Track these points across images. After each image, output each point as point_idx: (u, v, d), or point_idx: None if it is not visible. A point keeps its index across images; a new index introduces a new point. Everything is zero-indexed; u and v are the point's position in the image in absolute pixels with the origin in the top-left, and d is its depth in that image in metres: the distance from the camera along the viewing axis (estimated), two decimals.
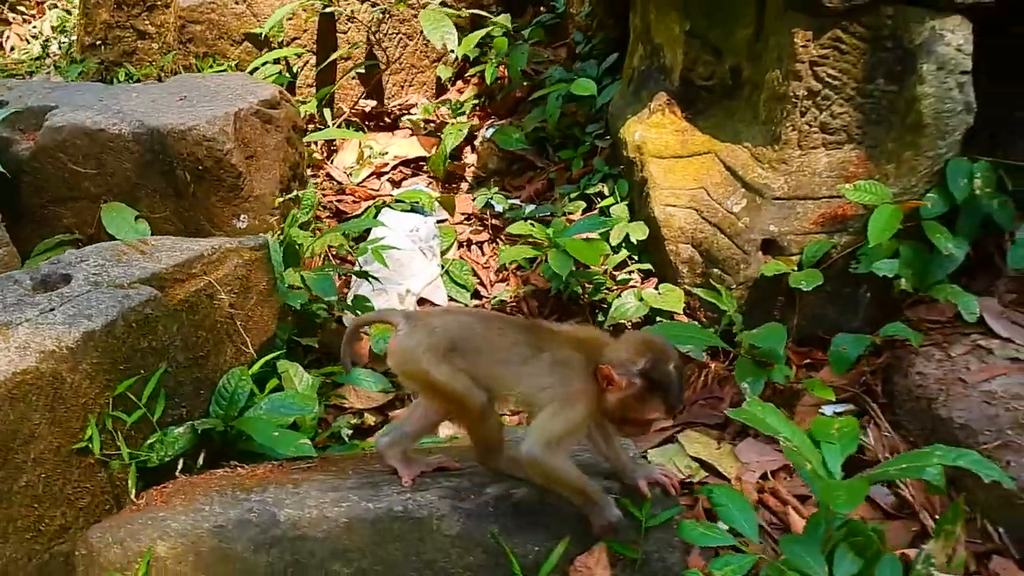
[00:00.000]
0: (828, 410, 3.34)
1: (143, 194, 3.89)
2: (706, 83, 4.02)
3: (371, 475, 2.54)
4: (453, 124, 5.15)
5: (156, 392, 2.75)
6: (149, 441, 2.72)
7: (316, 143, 5.30)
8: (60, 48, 6.53)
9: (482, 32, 5.13)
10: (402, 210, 4.56)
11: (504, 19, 5.25)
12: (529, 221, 4.24)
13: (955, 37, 3.26)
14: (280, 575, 2.36)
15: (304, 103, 5.32)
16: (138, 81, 5.32)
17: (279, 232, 3.82)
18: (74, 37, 6.20)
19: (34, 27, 7.34)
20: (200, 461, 2.86)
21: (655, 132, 4.10)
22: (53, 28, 6.86)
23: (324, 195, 4.96)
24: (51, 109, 3.91)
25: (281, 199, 3.92)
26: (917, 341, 3.26)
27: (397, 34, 5.63)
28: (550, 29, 5.96)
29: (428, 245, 4.39)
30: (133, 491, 2.63)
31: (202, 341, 2.96)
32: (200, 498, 2.45)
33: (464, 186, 5.14)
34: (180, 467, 2.78)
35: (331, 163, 5.26)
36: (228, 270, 3.03)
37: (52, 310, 2.60)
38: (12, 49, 7.10)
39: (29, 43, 7.08)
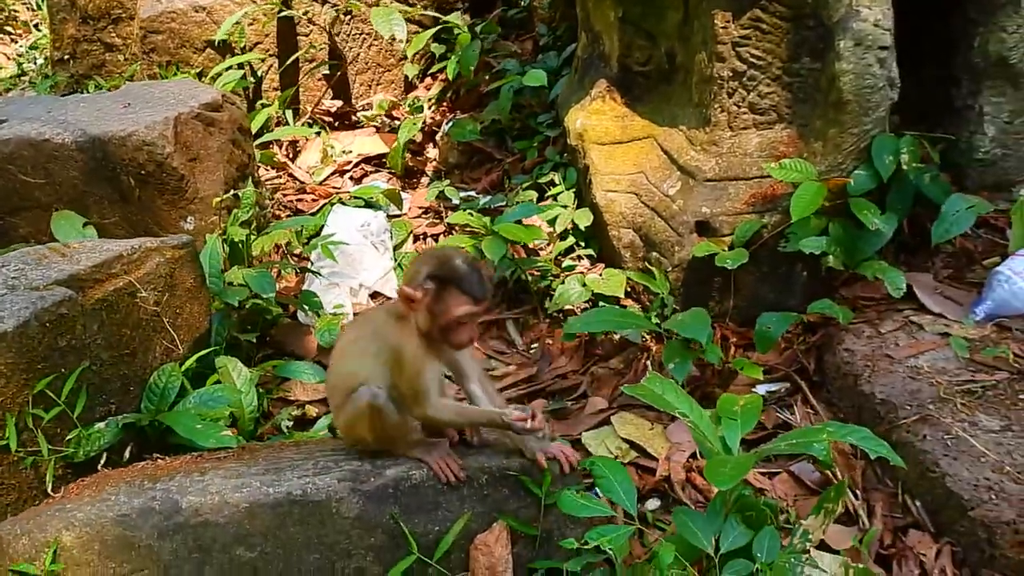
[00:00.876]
0: (761, 389, 3.35)
1: (91, 201, 3.96)
2: (643, 68, 4.03)
3: (278, 462, 2.59)
4: (408, 119, 5.19)
5: (77, 389, 2.81)
6: (70, 437, 2.78)
7: (280, 144, 5.37)
8: (35, 65, 6.66)
9: (432, 30, 5.17)
10: (356, 206, 4.61)
11: (456, 17, 5.29)
12: (468, 211, 4.27)
13: (872, 13, 3.25)
14: (185, 561, 2.41)
15: (268, 106, 5.39)
16: (108, 92, 5.41)
17: (223, 231, 3.87)
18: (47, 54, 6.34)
19: (20, 46, 7.50)
20: (127, 455, 2.92)
21: (595, 119, 4.11)
22: (30, 47, 7.00)
23: (284, 195, 5.02)
24: (1, 123, 3.99)
25: (219, 199, 3.97)
26: (845, 318, 3.25)
27: (360, 34, 5.68)
28: (518, 23, 6.00)
29: (380, 239, 4.44)
30: (49, 485, 2.69)
31: (127, 339, 3.02)
32: (109, 489, 2.51)
33: (425, 180, 5.18)
34: (104, 461, 2.84)
35: (295, 164, 5.32)
36: (150, 269, 3.08)
37: None
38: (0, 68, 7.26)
39: (15, 62, 7.23)
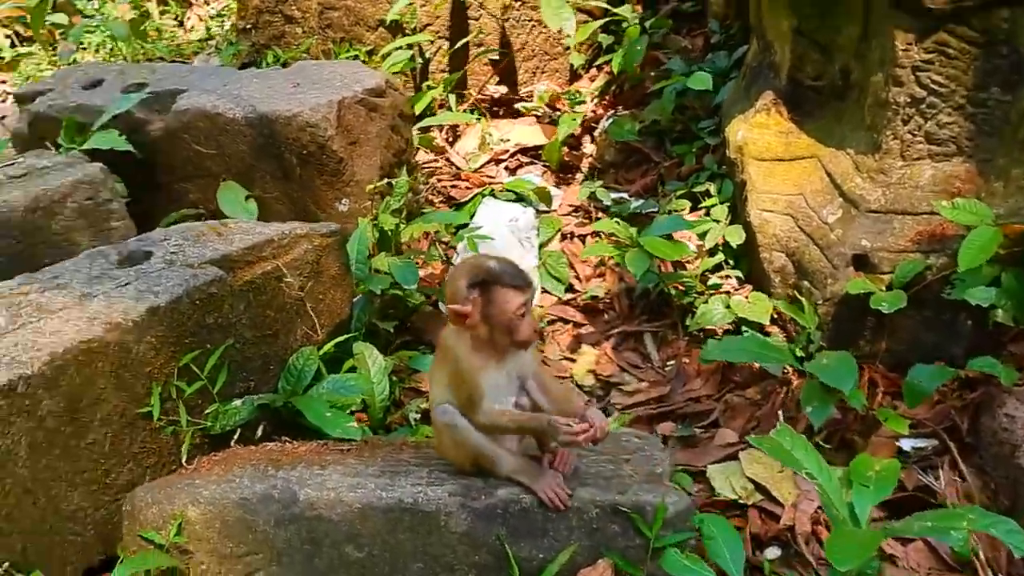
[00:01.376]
0: (905, 444, 3.13)
1: (257, 175, 4.14)
2: (814, 84, 3.80)
3: (395, 464, 2.63)
4: (568, 113, 5.13)
5: (219, 365, 2.95)
6: (208, 411, 2.92)
7: (440, 129, 5.42)
8: (222, 31, 7.00)
9: (600, 22, 5.06)
10: (506, 199, 4.61)
11: (626, 9, 5.16)
12: (616, 219, 4.19)
13: None
14: (296, 551, 2.49)
15: (432, 88, 5.45)
16: (285, 64, 5.61)
17: (374, 217, 3.95)
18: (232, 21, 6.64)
19: (212, 8, 7.89)
20: (259, 433, 3.04)
21: (758, 132, 3.92)
22: (217, 13, 7.36)
23: (440, 180, 5.08)
24: (182, 92, 4.21)
25: (372, 185, 4.03)
26: (1009, 379, 2.98)
27: (528, 20, 5.64)
28: (691, 16, 5.80)
29: (527, 236, 4.43)
30: (184, 456, 2.84)
31: (270, 320, 3.14)
32: (235, 470, 2.62)
33: (580, 177, 5.11)
34: (237, 437, 2.97)
35: (453, 149, 5.37)
36: (297, 255, 3.18)
37: (126, 285, 2.84)
38: (191, 29, 7.67)
39: (205, 25, 7.62)
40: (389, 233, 3.94)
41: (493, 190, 4.71)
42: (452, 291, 2.39)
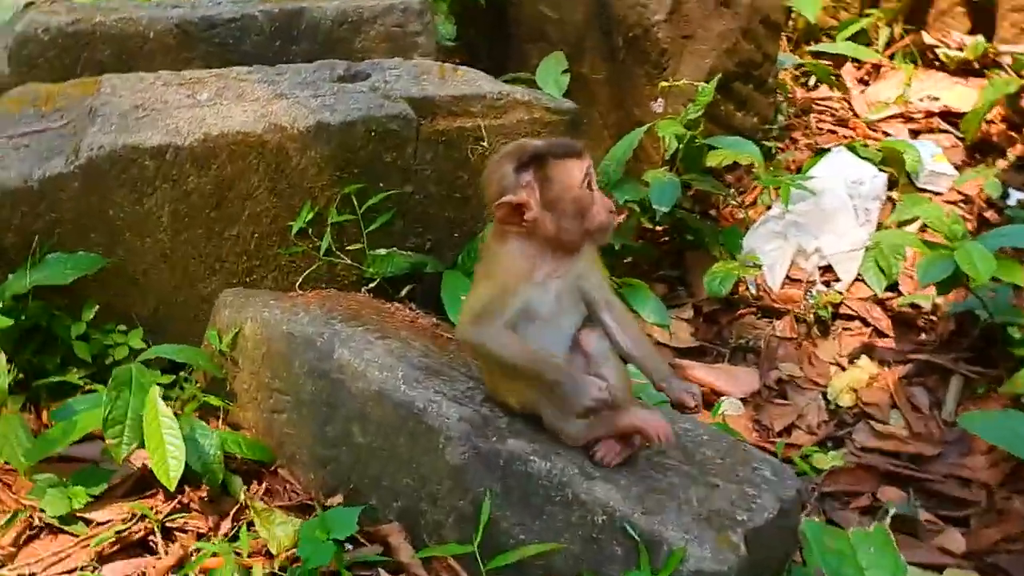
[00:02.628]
0: None
1: (587, 49, 3.77)
2: None
3: (445, 364, 2.21)
4: (1000, 79, 3.86)
5: (386, 208, 2.74)
6: (350, 247, 2.75)
7: (858, 66, 4.49)
8: None
9: None
10: (863, 157, 3.65)
11: None
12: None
13: None
14: (317, 408, 2.25)
15: (867, 16, 4.50)
16: None
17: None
18: None
19: None
20: (402, 293, 2.79)
21: None
22: None
23: (818, 120, 4.22)
24: None
25: (699, 87, 3.36)
26: None
27: None
28: None
29: (866, 207, 3.48)
30: (299, 279, 2.72)
31: (462, 183, 2.85)
32: (310, 305, 2.42)
33: (1001, 163, 3.88)
34: (373, 287, 2.76)
35: (861, 92, 4.41)
36: (508, 121, 2.81)
37: (318, 97, 2.74)
38: None
39: None
40: (679, 146, 3.33)
41: (855, 144, 3.77)
42: (497, 181, 1.86)
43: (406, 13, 3.59)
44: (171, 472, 2.04)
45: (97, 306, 2.58)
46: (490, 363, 1.96)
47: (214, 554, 2.02)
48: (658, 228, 3.45)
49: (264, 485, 2.28)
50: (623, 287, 3.05)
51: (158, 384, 2.45)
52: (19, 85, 3.15)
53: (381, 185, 2.74)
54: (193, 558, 2.04)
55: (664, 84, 3.45)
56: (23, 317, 2.48)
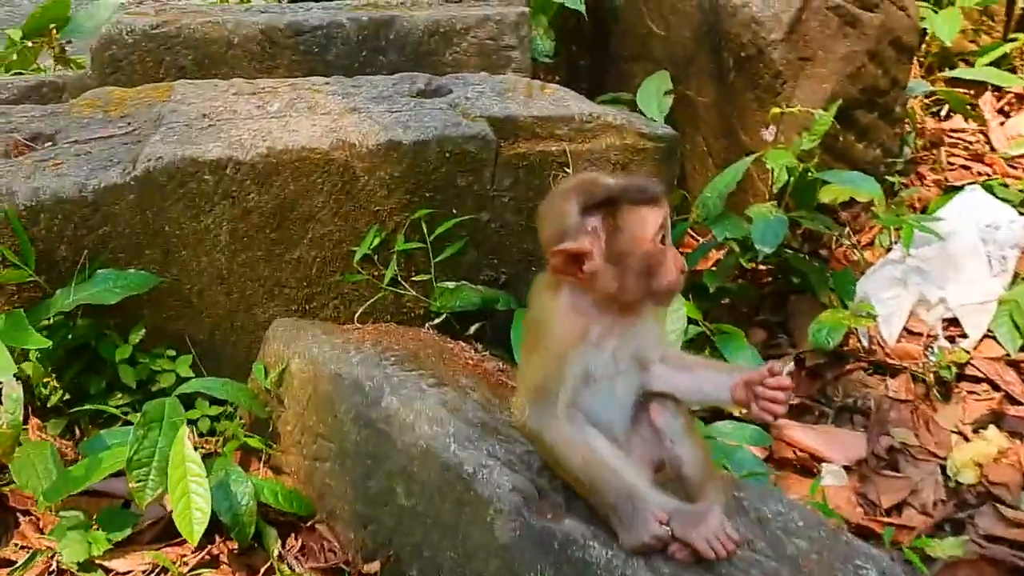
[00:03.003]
0: None
1: (694, 70, 3.48)
2: None
3: (497, 423, 1.95)
4: None
5: (457, 236, 2.51)
6: (416, 278, 2.53)
7: (998, 96, 4.04)
8: None
9: None
10: (1001, 198, 3.23)
11: None
12: None
13: None
14: (360, 460, 2.03)
15: (1013, 40, 4.05)
16: None
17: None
18: None
19: None
20: (469, 331, 2.56)
21: None
22: None
23: (950, 154, 3.80)
24: None
25: (814, 114, 3.01)
26: None
27: None
28: None
29: (1002, 254, 3.06)
30: (360, 310, 2.51)
31: None
32: (364, 342, 2.20)
33: None
34: (439, 322, 2.53)
35: (1001, 123, 3.96)
36: (597, 147, 2.54)
37: (393, 112, 2.53)
38: None
39: None
40: (789, 179, 2.99)
41: (992, 182, 3.35)
42: (558, 221, 1.57)
43: (501, 25, 3.37)
44: (195, 525, 1.85)
45: (145, 329, 2.43)
46: (547, 456, 1.69)
47: None
48: (760, 267, 3.11)
49: (300, 541, 2.07)
50: (716, 334, 2.73)
51: (206, 416, 2.30)
52: (99, 87, 3.07)
53: (454, 211, 2.52)
54: None
55: (777, 110, 3.11)
56: (69, 336, 2.35)
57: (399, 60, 3.32)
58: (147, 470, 1.91)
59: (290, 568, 1.96)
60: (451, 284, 2.52)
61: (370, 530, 2.00)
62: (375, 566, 1.94)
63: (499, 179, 2.52)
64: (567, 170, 2.51)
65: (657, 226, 1.54)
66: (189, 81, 2.83)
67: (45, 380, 2.34)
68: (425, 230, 2.49)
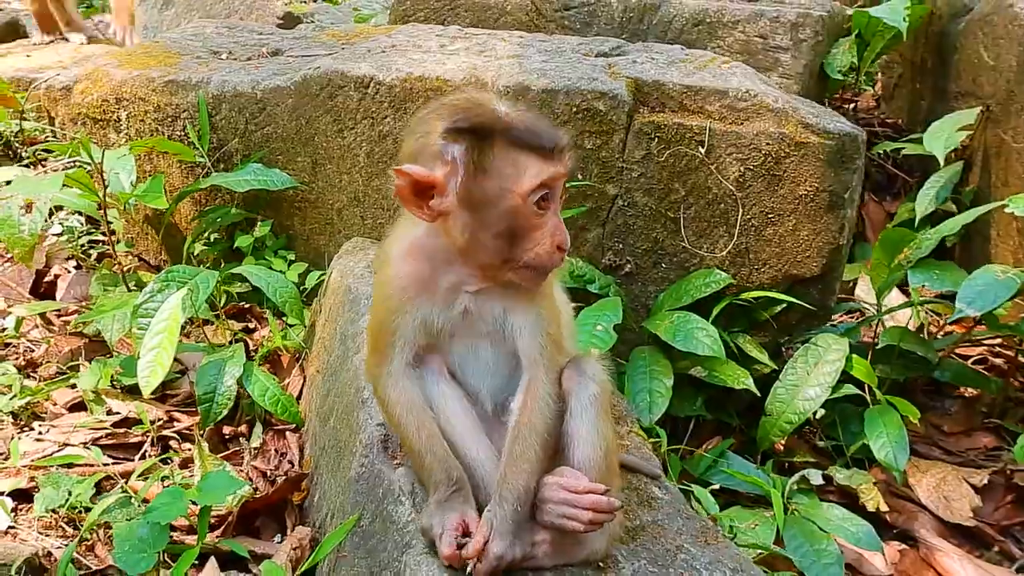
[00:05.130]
0: None
1: (1015, 109, 2.77)
2: None
3: None
4: None
5: (574, 202, 2.26)
6: None
7: None
8: None
9: None
10: None
11: None
12: None
13: None
14: (331, 372, 1.90)
15: None
16: None
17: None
18: None
19: None
20: None
21: None
22: None
23: None
24: None
25: None
26: None
27: None
28: None
29: None
30: None
31: (675, 198, 2.22)
32: None
33: None
34: None
35: None
36: (747, 132, 2.09)
37: (548, 64, 2.36)
38: None
39: None
40: None
41: None
42: (417, 138, 1.27)
43: (775, 24, 3.01)
44: (150, 376, 1.87)
45: (288, 236, 2.60)
46: (381, 410, 1.43)
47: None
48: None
49: (267, 442, 2.00)
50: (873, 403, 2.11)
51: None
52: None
53: (579, 177, 2.26)
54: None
55: None
56: (219, 219, 2.56)
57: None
58: (148, 321, 1.98)
59: (233, 463, 1.90)
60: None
61: (311, 446, 1.87)
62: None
63: (629, 149, 2.21)
64: (702, 150, 2.11)
65: (537, 182, 1.21)
66: (417, 24, 2.91)
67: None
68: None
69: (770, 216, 2.16)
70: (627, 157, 2.22)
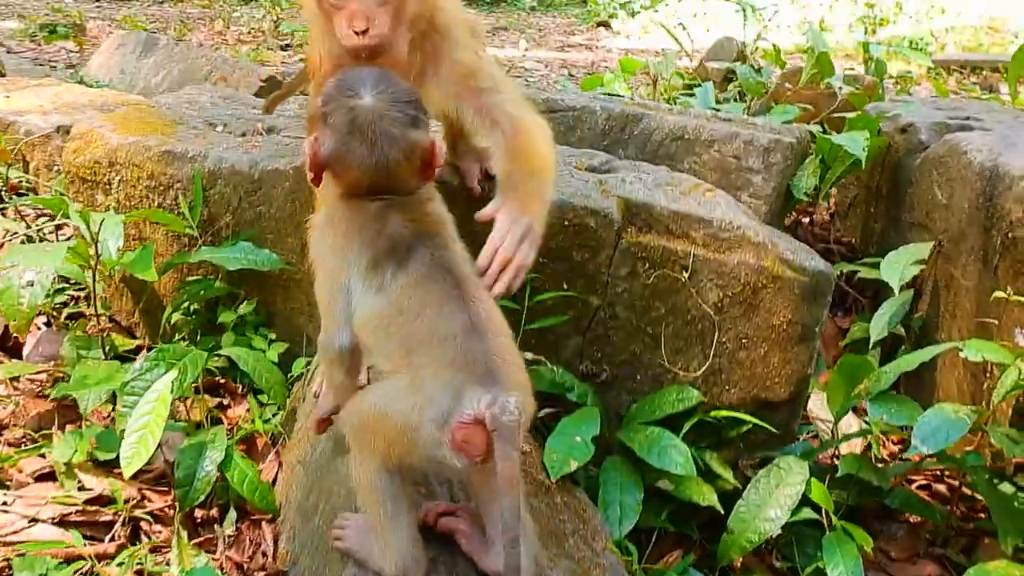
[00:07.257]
0: None
1: (964, 248, 2.94)
2: None
3: None
4: None
5: (557, 309, 2.34)
6: None
7: None
8: None
9: None
10: None
11: None
12: None
13: None
14: (315, 468, 1.93)
15: None
16: None
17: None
18: None
19: None
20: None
21: None
22: None
23: None
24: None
25: None
26: None
27: None
28: None
29: None
30: None
31: (656, 316, 2.32)
32: None
33: None
34: None
35: None
36: (729, 261, 2.21)
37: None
38: None
39: None
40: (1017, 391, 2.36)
41: None
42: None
43: (748, 146, 3.17)
44: (133, 458, 1.88)
45: (269, 314, 2.62)
46: None
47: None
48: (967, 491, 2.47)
49: (241, 531, 2.01)
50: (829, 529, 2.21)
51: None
52: None
53: (565, 288, 2.35)
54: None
55: None
56: (202, 292, 2.58)
57: (636, 156, 3.24)
58: (135, 400, 1.99)
59: (206, 550, 1.91)
60: (530, 355, 2.33)
61: (287, 540, 1.89)
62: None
63: (615, 265, 2.31)
64: (685, 275, 2.23)
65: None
66: None
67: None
68: (527, 292, 2.35)
69: (744, 341, 2.28)
70: (613, 272, 2.32)
